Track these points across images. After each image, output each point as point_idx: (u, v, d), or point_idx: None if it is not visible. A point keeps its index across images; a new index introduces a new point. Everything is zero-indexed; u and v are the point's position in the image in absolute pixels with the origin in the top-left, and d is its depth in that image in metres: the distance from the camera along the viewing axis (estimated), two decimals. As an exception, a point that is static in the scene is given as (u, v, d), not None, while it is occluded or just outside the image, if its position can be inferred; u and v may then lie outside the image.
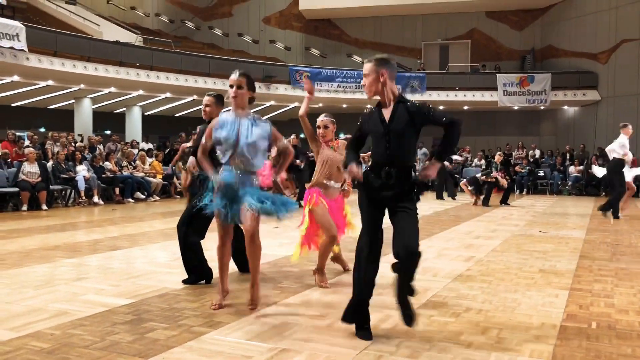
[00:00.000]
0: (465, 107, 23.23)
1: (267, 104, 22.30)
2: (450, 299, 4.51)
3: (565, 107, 23.36)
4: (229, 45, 26.70)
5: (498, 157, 13.80)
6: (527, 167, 19.18)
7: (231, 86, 4.04)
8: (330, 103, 21.47)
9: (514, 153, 20.59)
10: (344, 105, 21.83)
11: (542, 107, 22.55)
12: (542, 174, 19.31)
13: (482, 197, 13.56)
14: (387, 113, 3.53)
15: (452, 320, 3.92)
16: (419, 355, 3.21)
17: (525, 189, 18.82)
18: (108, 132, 21.42)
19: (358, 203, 3.58)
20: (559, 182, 18.76)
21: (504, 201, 13.54)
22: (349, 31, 26.05)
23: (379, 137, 3.53)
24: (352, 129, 3.85)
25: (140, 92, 19.34)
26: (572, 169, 18.75)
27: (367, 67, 3.54)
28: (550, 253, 6.76)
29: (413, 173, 3.54)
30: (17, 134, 14.56)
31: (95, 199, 12.95)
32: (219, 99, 5.03)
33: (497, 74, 22.02)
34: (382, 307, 4.15)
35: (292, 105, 22.80)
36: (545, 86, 21.42)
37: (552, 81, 21.44)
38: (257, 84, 4.18)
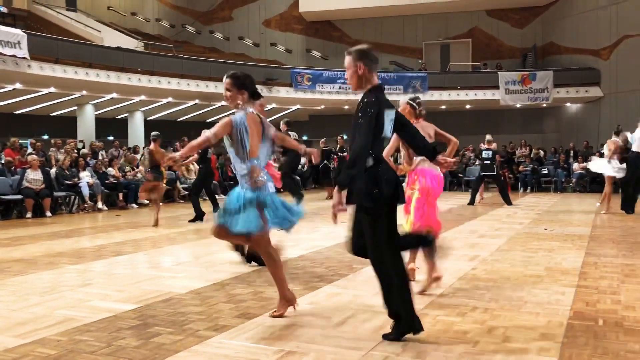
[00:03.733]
0: (468, 106, 23.21)
1: (269, 107, 22.32)
2: (456, 298, 4.49)
3: (568, 104, 23.30)
4: (230, 49, 26.74)
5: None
6: (531, 165, 19.12)
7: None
8: (333, 105, 21.48)
9: (517, 151, 20.52)
10: (346, 107, 21.82)
11: (544, 105, 22.51)
12: (546, 172, 19.25)
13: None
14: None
15: (458, 319, 3.90)
16: (426, 356, 3.20)
17: (529, 187, 18.77)
18: (111, 138, 21.46)
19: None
20: (563, 180, 18.71)
21: (506, 200, 13.29)
22: (349, 32, 26.05)
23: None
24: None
25: (142, 97, 19.38)
26: (575, 165, 18.67)
27: (346, 60, 3.46)
28: (556, 251, 6.73)
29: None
30: (20, 141, 14.60)
31: (99, 204, 12.97)
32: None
33: (499, 73, 21.98)
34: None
35: (293, 108, 22.81)
36: (548, 83, 21.36)
37: (554, 78, 21.38)
38: (258, 87, 4.10)
